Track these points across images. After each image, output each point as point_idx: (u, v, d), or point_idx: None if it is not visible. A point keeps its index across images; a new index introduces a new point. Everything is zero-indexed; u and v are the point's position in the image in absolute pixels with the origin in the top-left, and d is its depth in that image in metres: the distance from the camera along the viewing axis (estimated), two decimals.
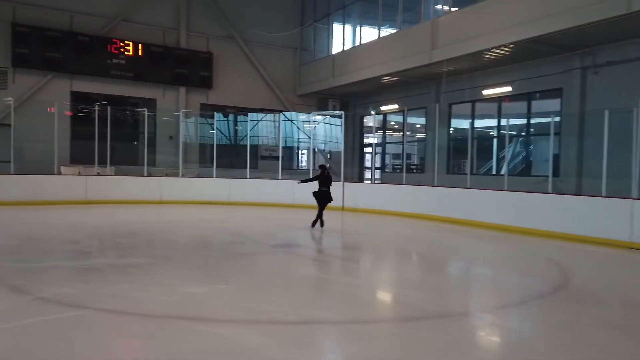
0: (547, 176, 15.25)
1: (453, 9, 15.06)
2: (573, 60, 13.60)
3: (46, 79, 17.60)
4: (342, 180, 16.92)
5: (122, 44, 18.55)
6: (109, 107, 16.75)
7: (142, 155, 18.69)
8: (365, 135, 23.12)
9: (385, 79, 18.38)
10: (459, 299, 5.93)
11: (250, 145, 18.21)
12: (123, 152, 18.44)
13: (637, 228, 9.17)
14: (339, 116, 19.66)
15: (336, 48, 21.03)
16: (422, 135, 20.64)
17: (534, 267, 8.05)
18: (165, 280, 6.08)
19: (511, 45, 13.29)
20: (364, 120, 22.97)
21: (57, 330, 4.24)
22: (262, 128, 21.73)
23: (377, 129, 23.15)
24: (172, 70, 19.56)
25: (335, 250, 9.40)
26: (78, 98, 18.15)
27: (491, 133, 18.37)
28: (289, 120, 20.67)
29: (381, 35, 18.27)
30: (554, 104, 14.83)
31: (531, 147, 18.30)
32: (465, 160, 18.36)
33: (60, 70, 17.70)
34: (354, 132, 22.72)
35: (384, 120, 21.75)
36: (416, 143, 21.71)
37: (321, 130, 21.85)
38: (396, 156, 24.04)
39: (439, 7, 15.90)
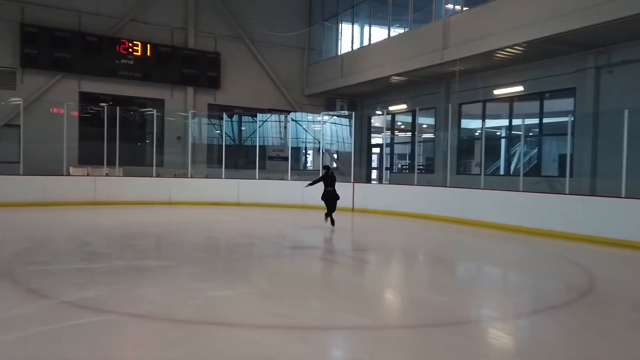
0: (555, 176, 15.27)
1: (465, 9, 14.93)
2: (587, 59, 13.47)
3: (55, 79, 17.53)
4: (352, 180, 16.82)
5: (130, 44, 18.48)
6: (117, 108, 16.68)
7: (150, 156, 18.62)
8: (372, 135, 23.02)
9: (394, 78, 18.27)
10: (486, 302, 5.83)
11: (258, 146, 18.12)
12: (131, 152, 18.36)
13: None
14: (349, 116, 19.57)
15: (344, 48, 20.92)
16: (428, 135, 20.50)
17: (557, 269, 7.93)
18: (188, 283, 5.99)
19: (524, 45, 13.17)
20: (372, 121, 22.86)
21: (85, 336, 4.15)
22: (269, 128, 21.67)
23: (382, 129, 23.08)
24: (180, 71, 19.48)
25: (352, 252, 9.29)
26: (86, 98, 18.08)
27: (498, 133, 18.26)
28: (296, 120, 20.60)
29: (391, 35, 18.15)
30: (566, 103, 14.71)
31: (537, 148, 18.20)
32: (471, 160, 18.26)
33: (69, 70, 17.63)
34: (362, 132, 22.60)
35: (392, 121, 21.63)
36: (422, 143, 21.57)
37: (329, 130, 21.78)
38: (401, 156, 23.91)
39: (450, 6, 15.79)
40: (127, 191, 16.18)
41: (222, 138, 18.37)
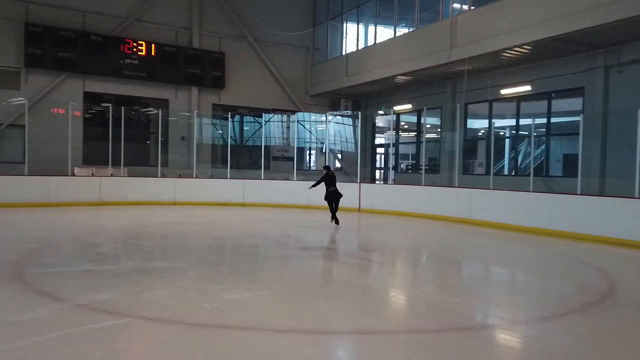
0: (559, 176, 15.17)
1: (472, 8, 14.83)
2: (596, 58, 13.38)
3: (59, 79, 17.46)
4: (358, 181, 16.73)
5: (135, 44, 18.41)
6: (122, 108, 16.61)
7: (154, 156, 18.56)
8: (376, 135, 22.93)
9: (399, 78, 18.19)
10: (505, 306, 5.73)
11: (263, 146, 18.03)
12: (135, 152, 18.27)
13: None
14: (355, 116, 19.48)
15: (349, 47, 20.82)
16: (431, 135, 20.38)
17: (571, 271, 7.84)
18: (201, 286, 5.90)
19: (531, 44, 13.06)
20: (376, 121, 22.76)
21: (103, 341, 4.06)
22: (273, 128, 21.60)
23: (387, 129, 22.98)
24: (185, 70, 19.41)
25: (362, 253, 9.19)
26: (91, 98, 18.01)
27: (502, 133, 18.17)
28: (302, 121, 20.53)
29: (396, 35, 18.06)
30: (574, 103, 14.61)
31: (543, 146, 18.10)
32: (474, 160, 18.15)
33: (73, 70, 17.56)
34: (366, 133, 22.51)
35: (397, 121, 21.54)
36: (424, 143, 21.42)
37: (333, 130, 21.71)
38: (404, 156, 23.82)
39: (457, 5, 15.69)
40: (132, 191, 16.11)
41: (227, 138, 18.27)
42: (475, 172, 17.73)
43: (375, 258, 8.73)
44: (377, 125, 22.94)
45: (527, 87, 15.39)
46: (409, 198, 14.93)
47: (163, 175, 17.27)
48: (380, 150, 23.42)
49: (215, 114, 20.49)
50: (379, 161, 23.77)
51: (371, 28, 20.42)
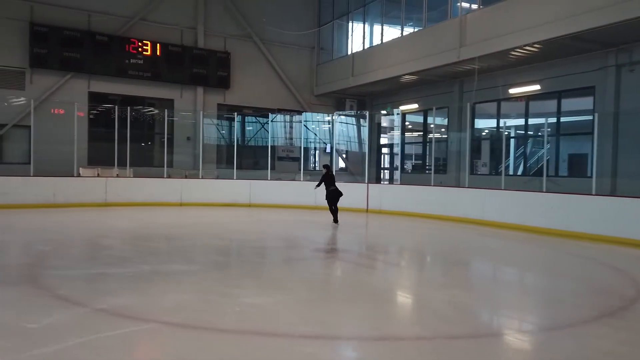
0: (565, 176, 15.06)
1: (481, 6, 14.71)
2: (607, 57, 13.25)
3: (64, 79, 17.32)
4: (366, 181, 16.61)
5: (140, 44, 18.27)
6: (128, 108, 16.48)
7: (158, 156, 18.48)
8: (381, 135, 22.79)
9: (405, 78, 18.06)
10: (536, 311, 5.58)
11: (266, 147, 17.92)
12: (140, 153, 18.15)
13: None
14: (363, 116, 19.34)
15: (355, 47, 20.69)
16: (435, 135, 20.24)
17: (594, 274, 7.71)
18: (220, 289, 5.78)
19: (541, 43, 12.93)
20: (381, 120, 22.62)
21: (129, 347, 3.95)
22: (279, 128, 21.48)
23: (389, 129, 22.85)
24: (190, 70, 19.28)
25: (379, 256, 9.04)
26: (96, 98, 17.87)
27: (506, 133, 18.02)
28: (307, 121, 20.41)
29: (404, 34, 17.94)
30: (584, 102, 14.50)
31: (548, 146, 17.97)
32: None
33: (79, 70, 17.42)
34: (372, 132, 22.38)
35: (403, 120, 21.41)
36: (431, 143, 21.32)
37: (339, 130, 21.59)
38: (407, 157, 23.68)
39: (466, 5, 15.56)
40: (138, 192, 15.97)
41: (233, 138, 18.14)
42: (479, 172, 17.59)
43: (393, 260, 8.60)
44: (383, 125, 22.80)
45: (537, 87, 15.27)
46: (417, 198, 14.80)
47: (169, 176, 17.15)
48: (383, 150, 23.28)
49: (220, 114, 20.36)
50: (384, 161, 23.63)
51: (376, 27, 20.30)
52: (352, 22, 20.83)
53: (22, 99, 16.16)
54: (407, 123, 22.17)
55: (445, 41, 15.30)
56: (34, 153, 15.05)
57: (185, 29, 19.43)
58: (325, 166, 13.21)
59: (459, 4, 15.68)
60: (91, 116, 17.64)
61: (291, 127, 21.70)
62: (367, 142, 18.79)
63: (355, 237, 11.43)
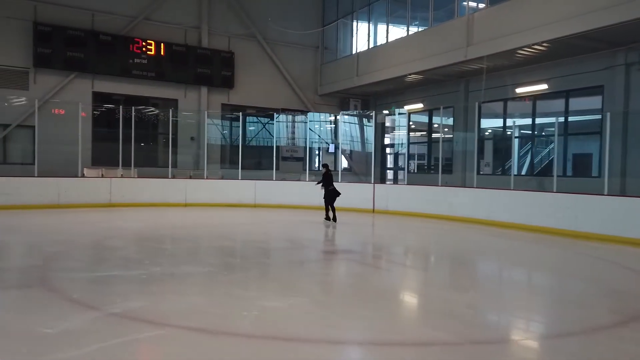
0: (569, 176, 14.95)
1: (489, 5, 14.60)
2: (616, 56, 13.16)
3: (68, 79, 17.23)
4: (372, 181, 16.51)
5: (144, 44, 18.18)
6: (133, 108, 16.39)
7: (162, 157, 18.38)
8: (386, 135, 22.68)
9: (410, 77, 17.96)
10: (559, 316, 5.46)
11: (271, 146, 17.82)
12: (143, 153, 18.05)
13: None
14: (369, 116, 19.23)
15: (360, 47, 20.59)
16: (437, 135, 20.14)
17: (615, 276, 7.62)
18: (235, 292, 5.68)
19: (550, 42, 12.83)
20: (385, 120, 22.51)
21: (148, 354, 3.86)
22: (283, 128, 21.39)
23: (391, 129, 22.73)
24: (194, 70, 19.18)
25: (391, 257, 8.94)
26: (100, 98, 17.78)
27: (508, 133, 17.94)
28: (313, 121, 20.32)
29: (409, 33, 17.84)
30: (593, 102, 14.40)
31: (552, 145, 17.87)
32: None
33: (82, 70, 17.34)
34: (376, 132, 22.25)
35: (408, 120, 21.26)
36: (440, 143, 21.21)
37: (344, 130, 21.51)
38: (410, 157, 23.55)
39: (473, 4, 15.45)
40: (142, 193, 15.89)
41: (238, 138, 18.04)
42: (481, 172, 17.50)
43: (406, 262, 8.48)
44: (387, 125, 22.70)
45: (544, 86, 15.18)
46: (424, 199, 14.72)
47: (173, 176, 17.06)
48: (387, 150, 23.17)
49: (224, 114, 20.26)
50: (389, 161, 23.52)
51: (381, 27, 20.21)
52: (357, 22, 20.73)
53: (22, 99, 16.07)
54: (410, 123, 22.05)
55: (452, 40, 15.19)
56: (38, 153, 14.95)
57: (189, 29, 19.34)
58: (324, 165, 13.21)
59: (465, 3, 15.57)
60: (95, 115, 17.53)
61: (293, 126, 21.60)
62: (372, 142, 18.64)
63: (365, 238, 11.34)
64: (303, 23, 21.19)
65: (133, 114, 16.27)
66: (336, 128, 21.91)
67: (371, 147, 19.14)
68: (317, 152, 23.29)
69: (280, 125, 21.03)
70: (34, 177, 14.69)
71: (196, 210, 15.26)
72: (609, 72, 13.38)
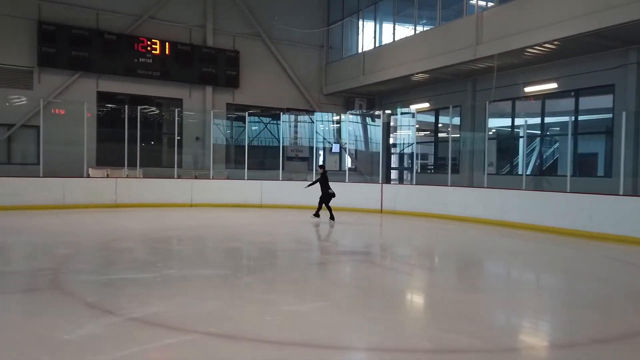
0: (573, 176, 14.77)
1: (499, 3, 14.46)
2: (628, 54, 13.01)
3: (72, 78, 17.08)
4: (380, 181, 16.37)
5: (149, 43, 18.03)
6: (138, 108, 16.25)
7: (167, 157, 18.24)
8: (391, 135, 22.52)
9: (416, 76, 17.81)
10: (590, 322, 5.35)
11: (276, 147, 17.68)
12: (147, 153, 17.89)
13: None
14: (374, 116, 19.09)
15: (366, 45, 20.43)
16: (443, 134, 19.99)
17: (632, 277, 7.48)
18: (254, 295, 5.54)
19: (561, 40, 12.69)
20: (390, 120, 22.37)
21: None
22: (287, 128, 21.22)
23: (396, 129, 22.58)
24: (199, 69, 19.03)
25: (407, 259, 8.73)
26: (104, 98, 17.62)
27: (519, 132, 17.80)
28: (318, 121, 20.19)
29: (416, 32, 17.69)
30: (603, 100, 14.26)
31: (557, 144, 17.74)
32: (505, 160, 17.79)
33: (87, 69, 17.18)
34: (384, 132, 22.10)
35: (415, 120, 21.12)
36: (450, 142, 21.05)
37: (350, 130, 21.37)
38: (408, 157, 23.38)
39: (482, 3, 15.29)
40: (148, 193, 15.74)
41: (244, 138, 17.89)
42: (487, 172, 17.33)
43: (425, 264, 8.25)
44: (390, 124, 22.54)
45: (553, 85, 15.04)
46: (433, 199, 14.57)
47: (179, 177, 16.91)
48: (393, 150, 23.01)
49: (229, 113, 20.12)
50: (395, 161, 23.38)
51: (386, 26, 20.07)
52: (363, 21, 20.57)
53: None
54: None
55: (461, 39, 15.05)
56: (43, 153, 14.80)
57: (194, 28, 19.18)
58: (320, 166, 13.12)
59: (474, 1, 15.42)
60: (100, 115, 17.37)
61: (296, 126, 21.45)
62: (380, 142, 18.48)
63: (377, 239, 11.20)
64: (308, 22, 21.05)
65: (138, 113, 16.11)
66: (341, 128, 21.75)
67: (377, 147, 19.01)
68: (322, 152, 23.15)
69: (286, 125, 20.87)
70: (39, 177, 14.53)
71: (203, 210, 15.12)
72: (620, 70, 13.23)
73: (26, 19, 16.31)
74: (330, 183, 12.71)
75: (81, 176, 15.40)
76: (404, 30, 18.98)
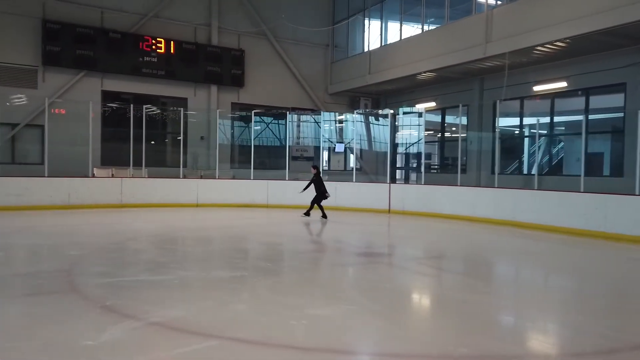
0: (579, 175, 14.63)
1: (508, 1, 14.33)
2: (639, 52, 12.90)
3: (77, 77, 16.93)
4: (388, 181, 16.23)
5: (154, 41, 17.89)
6: (144, 107, 16.10)
7: (171, 156, 18.11)
8: (396, 134, 22.38)
9: (423, 75, 17.68)
10: (614, 321, 5.22)
11: (282, 146, 17.53)
12: (152, 153, 17.74)
13: None
14: (381, 115, 18.95)
15: (372, 44, 20.30)
16: (455, 134, 19.85)
17: None
18: (276, 298, 5.39)
19: (572, 38, 12.56)
20: (396, 119, 22.22)
21: None
22: (292, 128, 21.08)
23: (402, 128, 22.44)
24: (204, 68, 18.89)
25: (428, 260, 8.44)
26: (109, 97, 17.47)
27: (532, 131, 17.67)
28: (325, 120, 20.06)
29: (424, 30, 17.56)
30: (614, 99, 14.13)
31: (562, 144, 17.60)
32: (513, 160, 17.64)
33: (92, 68, 17.04)
34: (391, 132, 21.95)
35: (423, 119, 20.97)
36: (459, 142, 20.90)
37: (355, 129, 21.20)
38: (413, 156, 23.24)
39: (491, 1, 15.16)
40: (154, 193, 15.59)
41: (250, 138, 17.76)
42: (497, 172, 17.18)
43: (447, 266, 7.97)
44: (396, 124, 22.40)
45: (563, 84, 14.91)
46: (443, 199, 14.42)
47: (184, 177, 16.77)
48: (399, 149, 22.86)
49: (234, 113, 19.98)
50: (400, 161, 23.24)
51: (392, 25, 19.92)
52: (369, 19, 20.43)
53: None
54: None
55: (470, 37, 14.92)
56: (48, 153, 14.64)
57: (199, 26, 19.04)
58: (314, 166, 12.98)
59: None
60: (104, 114, 17.22)
61: (298, 126, 21.30)
62: (388, 142, 18.34)
63: (391, 239, 11.06)
64: (313, 21, 20.91)
65: (144, 113, 15.96)
66: (347, 127, 21.61)
67: (384, 147, 18.87)
68: (328, 152, 23.00)
69: (292, 125, 20.72)
70: (44, 177, 14.38)
71: (209, 211, 14.98)
72: (632, 69, 13.11)
73: (31, 17, 16.16)
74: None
75: (86, 176, 15.25)
76: (411, 29, 18.84)
